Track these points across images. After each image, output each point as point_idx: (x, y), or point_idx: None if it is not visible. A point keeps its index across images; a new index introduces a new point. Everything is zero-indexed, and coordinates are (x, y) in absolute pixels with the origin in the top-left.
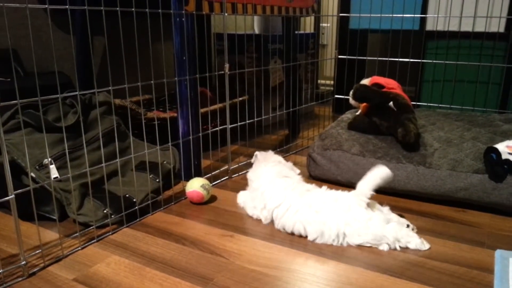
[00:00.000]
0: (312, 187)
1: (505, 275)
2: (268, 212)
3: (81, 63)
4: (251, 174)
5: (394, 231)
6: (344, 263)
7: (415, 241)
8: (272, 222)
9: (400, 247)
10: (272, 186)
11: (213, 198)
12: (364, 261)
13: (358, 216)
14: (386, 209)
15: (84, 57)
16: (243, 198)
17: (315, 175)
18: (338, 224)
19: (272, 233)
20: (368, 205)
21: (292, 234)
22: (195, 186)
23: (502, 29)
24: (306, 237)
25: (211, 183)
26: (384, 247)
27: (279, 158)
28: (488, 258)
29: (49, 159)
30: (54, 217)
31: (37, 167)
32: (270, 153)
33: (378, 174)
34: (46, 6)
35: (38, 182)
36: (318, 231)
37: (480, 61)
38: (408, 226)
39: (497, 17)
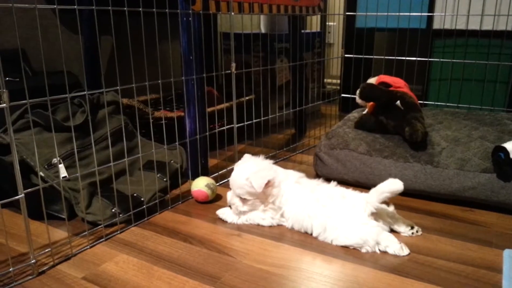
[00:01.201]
0: (321, 182)
1: None
2: (281, 214)
3: (89, 62)
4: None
5: (375, 234)
6: (351, 262)
7: (394, 246)
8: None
9: (380, 250)
10: (294, 196)
11: (219, 197)
12: (371, 260)
13: (357, 218)
14: (391, 209)
15: (92, 57)
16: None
17: (322, 175)
18: (338, 220)
19: (279, 232)
20: (373, 214)
21: (301, 232)
22: (200, 185)
23: (510, 28)
24: (312, 234)
25: (218, 182)
26: (366, 249)
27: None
28: (495, 258)
29: (58, 158)
30: (63, 216)
31: (46, 166)
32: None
33: (389, 187)
34: (55, 6)
35: (47, 181)
36: (322, 226)
37: (488, 59)
38: (412, 228)
39: (505, 15)
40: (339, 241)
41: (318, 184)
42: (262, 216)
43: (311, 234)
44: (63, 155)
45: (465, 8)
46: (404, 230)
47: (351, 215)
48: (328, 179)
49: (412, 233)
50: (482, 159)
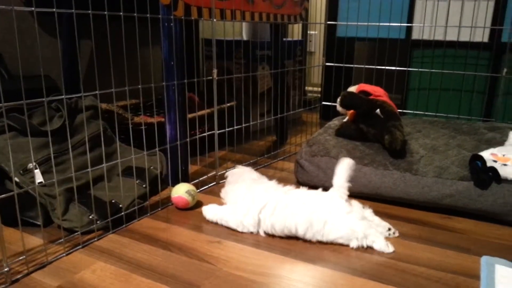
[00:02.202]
0: (293, 187)
1: (491, 282)
2: (253, 216)
3: (68, 66)
4: (227, 188)
5: (364, 227)
6: (331, 269)
7: (380, 243)
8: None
9: (366, 245)
10: (253, 190)
11: (200, 204)
12: (351, 267)
13: (339, 207)
14: (368, 211)
15: (71, 61)
16: (214, 211)
17: (303, 181)
18: (324, 213)
19: (260, 239)
20: (348, 200)
21: (281, 236)
22: (180, 191)
23: (486, 39)
24: (296, 238)
25: (198, 188)
26: (353, 243)
27: (254, 175)
28: (473, 265)
29: (34, 164)
30: (38, 223)
31: (21, 171)
32: (247, 169)
33: (345, 167)
34: (33, 8)
35: (22, 187)
36: (308, 221)
37: (465, 70)
38: (389, 229)
39: (481, 27)
40: (330, 235)
41: (290, 189)
42: (233, 218)
43: (295, 234)
44: (39, 160)
45: (443, 20)
46: (381, 231)
47: (333, 206)
48: (308, 186)
49: (389, 234)
50: (460, 167)
